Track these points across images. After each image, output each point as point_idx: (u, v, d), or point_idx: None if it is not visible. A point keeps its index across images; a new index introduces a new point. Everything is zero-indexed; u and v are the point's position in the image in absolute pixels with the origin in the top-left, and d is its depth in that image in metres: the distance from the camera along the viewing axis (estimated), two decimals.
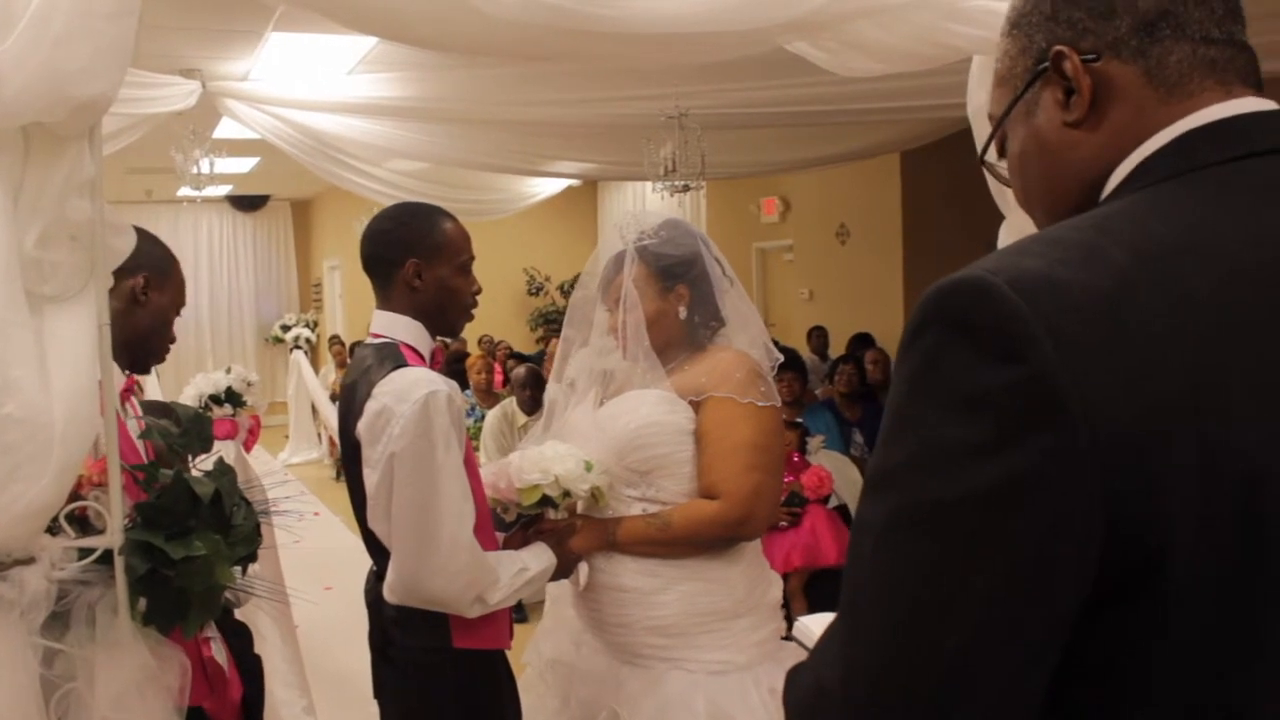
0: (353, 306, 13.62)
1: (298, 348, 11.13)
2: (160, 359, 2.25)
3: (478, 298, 2.28)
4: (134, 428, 1.95)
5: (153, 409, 2.23)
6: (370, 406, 2.03)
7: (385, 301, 2.22)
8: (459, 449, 2.06)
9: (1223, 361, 0.78)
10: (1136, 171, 0.92)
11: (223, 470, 1.77)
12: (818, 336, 9.14)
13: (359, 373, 2.13)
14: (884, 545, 0.82)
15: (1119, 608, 0.79)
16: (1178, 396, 0.77)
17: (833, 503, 4.91)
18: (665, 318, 2.33)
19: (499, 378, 8.39)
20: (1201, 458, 0.76)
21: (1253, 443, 0.77)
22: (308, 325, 12.00)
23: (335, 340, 12.09)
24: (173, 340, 2.26)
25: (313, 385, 10.18)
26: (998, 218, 2.67)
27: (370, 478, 2.05)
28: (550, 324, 13.19)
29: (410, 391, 2.00)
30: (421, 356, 2.18)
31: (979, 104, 2.39)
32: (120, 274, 2.13)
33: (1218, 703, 0.80)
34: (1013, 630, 0.79)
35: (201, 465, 1.92)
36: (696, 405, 2.27)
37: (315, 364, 11.74)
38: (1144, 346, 0.78)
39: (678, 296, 2.33)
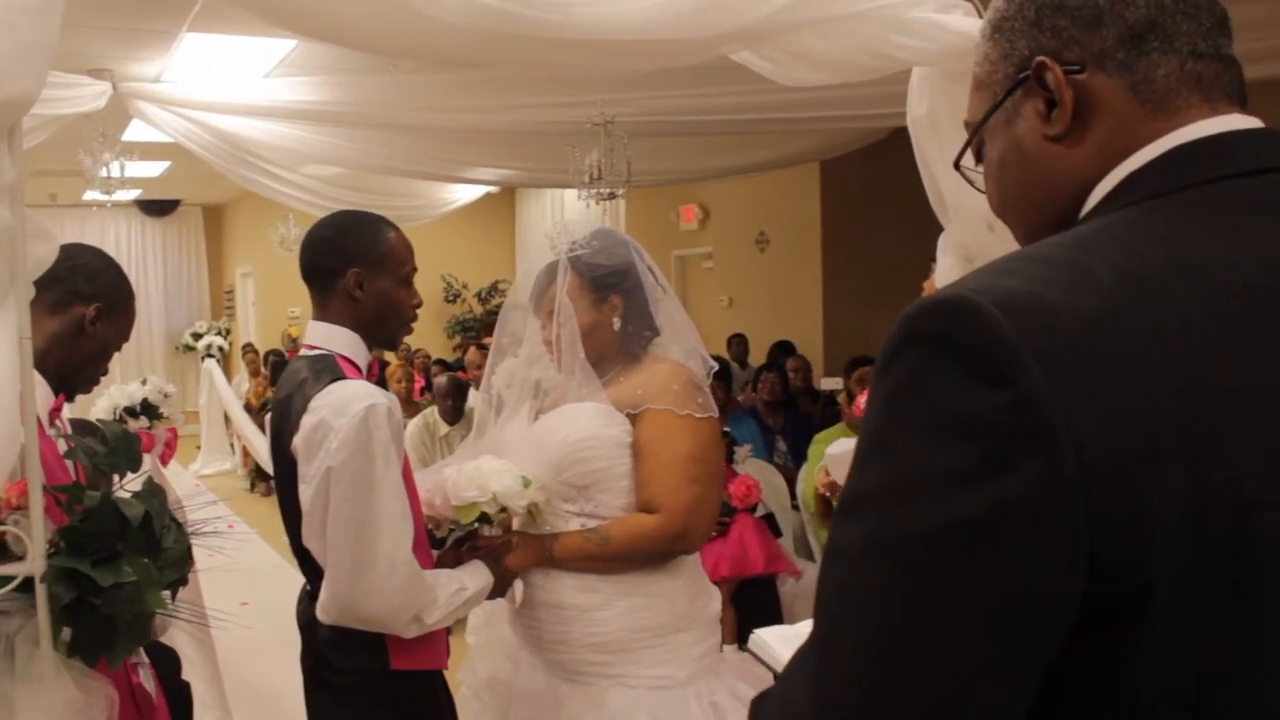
0: (266, 314, 13.34)
1: (210, 356, 10.86)
2: (88, 390, 2.16)
3: (418, 310, 2.23)
4: (64, 447, 1.85)
5: (80, 429, 2.13)
6: (307, 420, 1.96)
7: (323, 312, 2.15)
8: (398, 464, 2.00)
9: (1212, 387, 0.76)
10: (1120, 188, 0.89)
11: (152, 491, 1.69)
12: (738, 343, 9.19)
13: (293, 386, 2.06)
14: (861, 572, 0.79)
15: (1103, 634, 0.76)
16: (1167, 423, 0.74)
17: (760, 511, 4.91)
18: (600, 329, 2.29)
19: (419, 386, 8.28)
20: (1190, 485, 0.74)
21: (1243, 471, 0.75)
22: (220, 333, 11.72)
23: (249, 349, 11.83)
24: (105, 373, 2.17)
25: (226, 395, 9.95)
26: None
27: (305, 493, 1.98)
28: (467, 331, 13.08)
29: (349, 405, 1.94)
30: (359, 369, 2.11)
31: (918, 114, 2.40)
32: (72, 299, 2.04)
33: None
34: (995, 662, 0.76)
35: (127, 485, 1.83)
36: (634, 418, 2.23)
37: (228, 373, 11.47)
38: (1132, 372, 0.75)
39: (612, 307, 2.30)
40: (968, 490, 0.74)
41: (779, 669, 1.15)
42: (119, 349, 2.18)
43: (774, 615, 4.55)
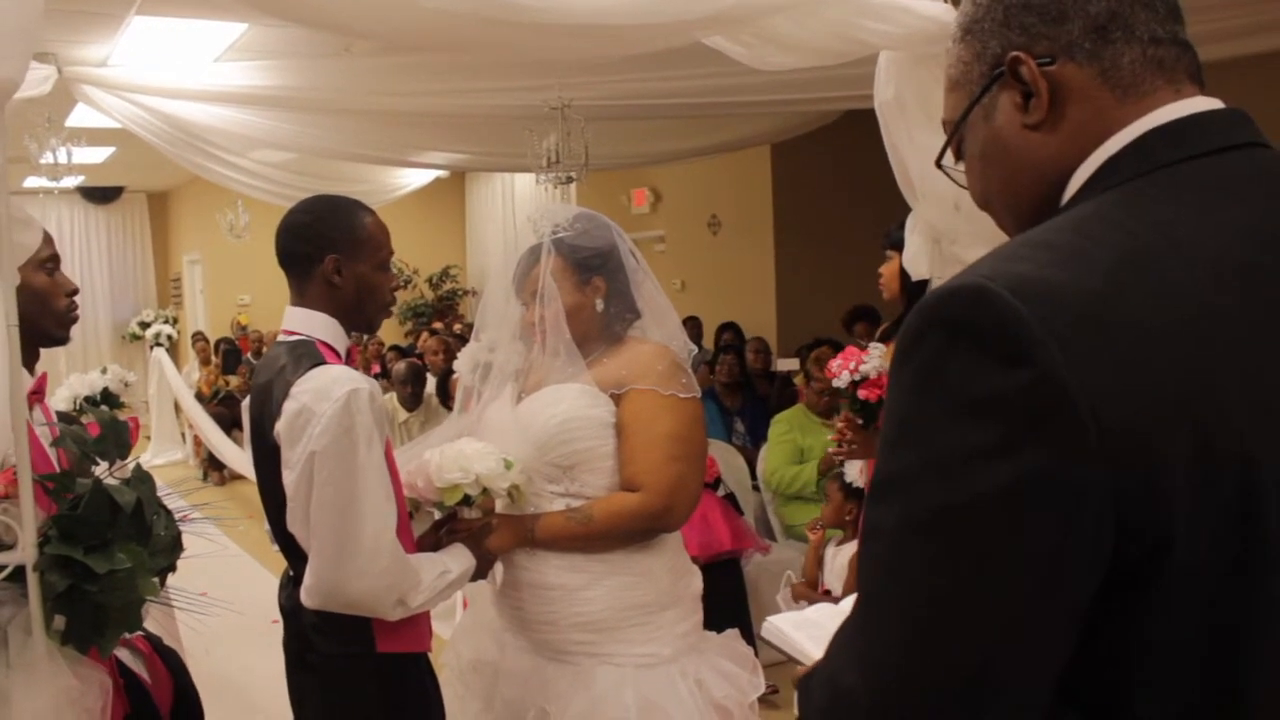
0: (215, 302, 13.17)
1: (159, 345, 10.71)
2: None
3: (395, 294, 2.23)
4: (44, 434, 1.83)
5: (60, 417, 2.11)
6: (289, 406, 1.96)
7: (300, 298, 2.14)
8: (381, 448, 2.01)
9: (1210, 355, 0.82)
10: (1101, 171, 0.95)
11: (142, 477, 1.68)
12: (691, 326, 9.21)
13: (273, 372, 2.05)
14: (901, 549, 0.84)
15: (1126, 592, 0.81)
16: (1172, 391, 0.80)
17: (721, 491, 4.93)
18: (583, 310, 2.31)
19: (375, 372, 8.23)
20: (1196, 448, 0.79)
21: (1243, 431, 0.81)
22: (168, 321, 11.57)
23: (199, 337, 11.68)
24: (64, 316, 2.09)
25: (176, 384, 9.81)
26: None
27: (289, 478, 1.98)
28: (419, 317, 13.00)
29: (331, 390, 1.95)
30: (338, 354, 2.11)
31: (886, 98, 2.44)
32: None
33: (1220, 679, 0.83)
34: (1034, 624, 0.81)
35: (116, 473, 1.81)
36: (617, 398, 2.25)
37: (176, 361, 11.33)
38: (1137, 344, 0.80)
39: (594, 289, 2.32)
40: (997, 464, 0.79)
41: (798, 656, 1.19)
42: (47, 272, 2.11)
43: (739, 593, 4.57)
